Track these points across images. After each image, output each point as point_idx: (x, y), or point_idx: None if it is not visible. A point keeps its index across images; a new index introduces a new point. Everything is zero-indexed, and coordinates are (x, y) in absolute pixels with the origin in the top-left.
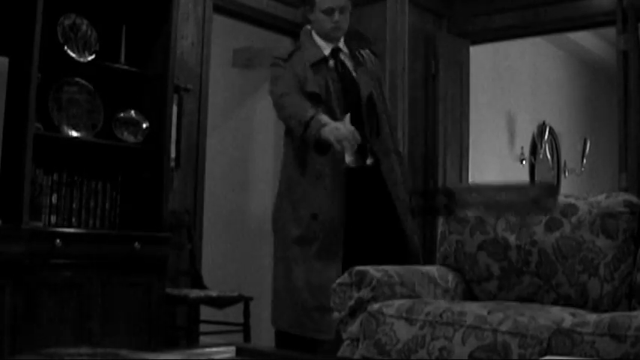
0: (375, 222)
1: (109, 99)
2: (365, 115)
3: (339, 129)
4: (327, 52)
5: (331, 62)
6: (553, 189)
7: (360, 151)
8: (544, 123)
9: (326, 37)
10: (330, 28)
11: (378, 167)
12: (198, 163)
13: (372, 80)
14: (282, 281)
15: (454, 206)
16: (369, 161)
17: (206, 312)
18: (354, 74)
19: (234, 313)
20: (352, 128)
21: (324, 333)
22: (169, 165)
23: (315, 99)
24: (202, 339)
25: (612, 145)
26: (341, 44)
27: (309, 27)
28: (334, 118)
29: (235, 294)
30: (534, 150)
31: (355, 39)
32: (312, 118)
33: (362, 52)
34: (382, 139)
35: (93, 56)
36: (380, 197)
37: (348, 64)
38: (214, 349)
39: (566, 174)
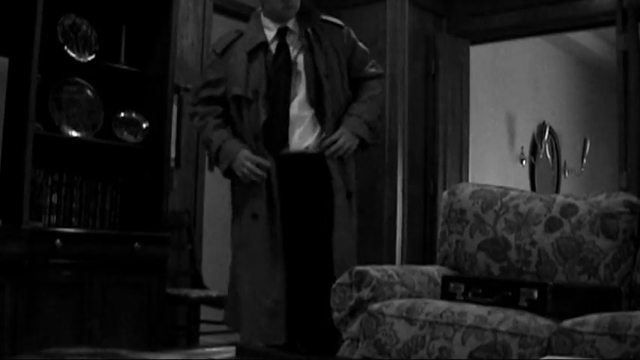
0: (309, 220)
1: (109, 99)
2: (313, 97)
3: (244, 165)
4: (272, 34)
5: (272, 46)
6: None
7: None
8: (544, 123)
9: (275, 18)
10: (281, 7)
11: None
12: (198, 163)
13: (325, 56)
14: (231, 290)
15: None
16: (318, 148)
17: (206, 312)
18: (296, 59)
19: None
20: (258, 160)
21: (275, 338)
22: (169, 165)
23: (243, 98)
24: (202, 339)
25: (612, 145)
26: (290, 24)
27: (259, 9)
28: (257, 113)
29: None
30: (534, 150)
31: (306, 16)
32: (219, 149)
33: (316, 28)
34: (331, 124)
35: (93, 56)
36: (320, 189)
37: (296, 44)
38: (214, 349)
39: (566, 174)
